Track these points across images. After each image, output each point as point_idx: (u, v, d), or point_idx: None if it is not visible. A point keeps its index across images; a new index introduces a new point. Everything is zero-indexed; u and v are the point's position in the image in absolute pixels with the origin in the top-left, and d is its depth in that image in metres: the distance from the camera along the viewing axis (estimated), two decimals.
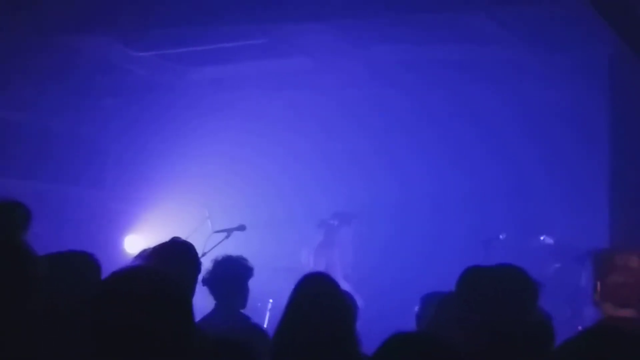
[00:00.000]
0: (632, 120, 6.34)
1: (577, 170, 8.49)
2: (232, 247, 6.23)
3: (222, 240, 6.84)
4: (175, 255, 3.76)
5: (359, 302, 5.31)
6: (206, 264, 5.71)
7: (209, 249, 6.57)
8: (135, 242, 8.86)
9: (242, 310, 4.64)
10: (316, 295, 3.38)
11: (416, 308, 4.05)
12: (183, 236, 4.31)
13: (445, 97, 8.99)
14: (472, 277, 3.23)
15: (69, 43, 7.60)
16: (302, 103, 9.24)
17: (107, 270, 2.40)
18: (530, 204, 9.11)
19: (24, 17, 6.83)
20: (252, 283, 4.77)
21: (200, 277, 4.16)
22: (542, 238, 8.74)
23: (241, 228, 7.05)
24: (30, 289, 2.04)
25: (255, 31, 7.46)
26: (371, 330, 3.41)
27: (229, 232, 6.95)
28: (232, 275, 4.65)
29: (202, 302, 4.53)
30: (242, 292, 4.64)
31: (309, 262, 8.84)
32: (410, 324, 4.18)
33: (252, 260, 4.90)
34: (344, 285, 5.09)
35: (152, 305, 2.09)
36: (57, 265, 2.91)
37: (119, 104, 9.18)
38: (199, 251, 6.29)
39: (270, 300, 8.29)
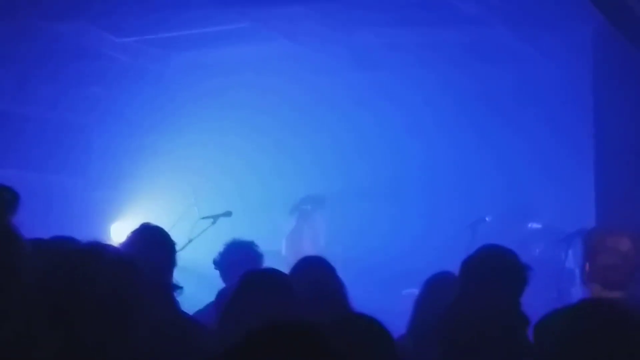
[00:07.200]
0: (616, 95, 6.34)
1: (567, 151, 8.49)
2: (218, 233, 6.23)
3: (209, 226, 6.84)
4: (144, 240, 3.77)
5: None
6: (193, 250, 5.74)
7: (196, 236, 6.59)
8: (121, 230, 8.81)
9: None
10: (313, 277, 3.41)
11: (413, 290, 4.03)
12: (169, 223, 4.32)
13: (430, 79, 8.98)
14: (472, 260, 3.24)
15: (49, 30, 7.51)
16: (284, 87, 9.19)
17: None
18: (516, 186, 9.12)
19: (1, 4, 6.75)
20: None
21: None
22: (530, 225, 8.78)
23: (227, 214, 7.04)
24: (19, 268, 2.09)
25: (238, 15, 7.41)
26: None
27: (215, 218, 6.93)
28: (245, 260, 4.75)
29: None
30: None
31: (282, 249, 8.77)
32: (396, 307, 4.18)
33: None
34: None
35: (101, 277, 2.21)
36: (41, 250, 2.91)
37: (101, 91, 9.09)
38: (186, 238, 6.33)
39: None
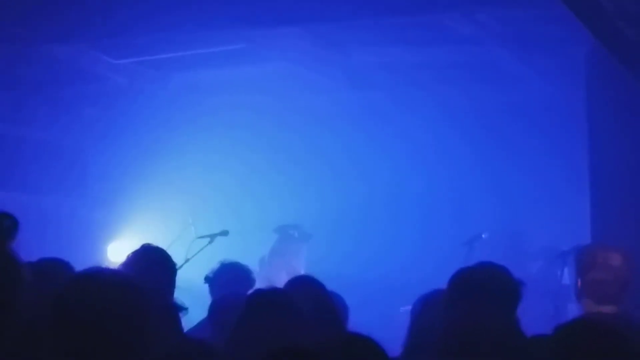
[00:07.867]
0: (608, 115, 6.40)
1: (562, 169, 8.52)
2: (214, 253, 6.24)
3: (206, 245, 6.85)
4: (145, 261, 3.78)
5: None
6: (190, 269, 5.75)
7: (193, 255, 6.60)
8: (118, 250, 8.81)
9: None
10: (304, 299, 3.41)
11: (407, 308, 4.03)
12: (167, 242, 4.34)
13: (424, 99, 9.02)
14: (461, 277, 3.25)
15: (45, 52, 7.55)
16: (280, 107, 9.23)
17: None
18: (513, 203, 9.15)
19: None
20: None
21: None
22: (527, 242, 8.80)
23: (224, 233, 7.05)
24: (18, 294, 2.09)
25: (234, 36, 7.46)
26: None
27: (212, 237, 6.95)
28: (236, 282, 4.77)
29: None
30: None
31: (262, 269, 8.64)
32: (394, 324, 4.18)
33: None
34: None
35: (108, 304, 2.16)
36: (34, 272, 2.92)
37: (99, 112, 9.13)
38: (183, 257, 6.34)
39: None
